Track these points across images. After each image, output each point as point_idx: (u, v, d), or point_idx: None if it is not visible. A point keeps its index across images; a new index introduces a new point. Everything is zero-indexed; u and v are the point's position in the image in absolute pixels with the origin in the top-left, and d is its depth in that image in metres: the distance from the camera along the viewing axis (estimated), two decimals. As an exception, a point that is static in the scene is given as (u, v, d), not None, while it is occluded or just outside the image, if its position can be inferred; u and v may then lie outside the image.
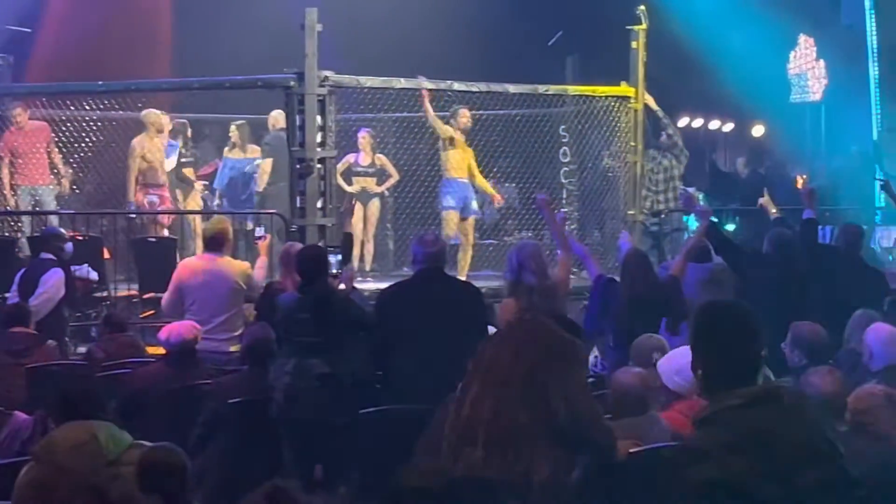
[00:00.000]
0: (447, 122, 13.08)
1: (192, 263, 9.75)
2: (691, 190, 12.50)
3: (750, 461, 3.53)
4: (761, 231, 10.34)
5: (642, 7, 13.27)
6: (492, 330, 7.80)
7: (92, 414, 5.39)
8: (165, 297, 9.52)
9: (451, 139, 13.04)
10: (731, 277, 9.32)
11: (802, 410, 3.74)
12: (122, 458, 5.12)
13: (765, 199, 10.22)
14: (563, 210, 12.00)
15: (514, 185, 15.08)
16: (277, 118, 13.84)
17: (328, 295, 7.56)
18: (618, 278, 8.76)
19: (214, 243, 9.51)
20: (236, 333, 9.13)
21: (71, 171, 14.19)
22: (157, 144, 13.75)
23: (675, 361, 6.22)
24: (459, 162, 13.21)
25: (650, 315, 8.12)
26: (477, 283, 13.04)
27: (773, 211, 10.08)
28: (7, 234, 13.09)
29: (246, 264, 9.83)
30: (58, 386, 5.78)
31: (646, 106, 13.43)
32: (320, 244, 11.25)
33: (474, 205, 13.50)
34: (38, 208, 13.59)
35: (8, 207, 13.46)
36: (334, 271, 8.51)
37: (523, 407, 4.32)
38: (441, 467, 4.35)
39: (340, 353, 7.28)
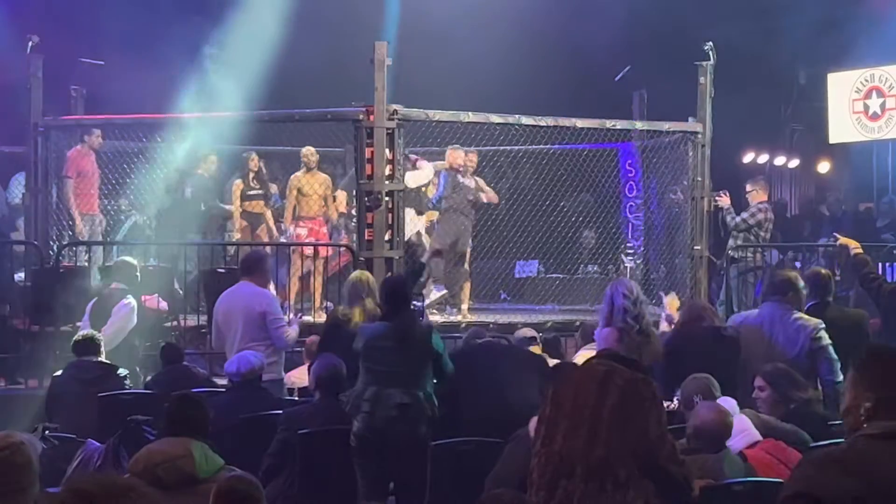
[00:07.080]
0: None
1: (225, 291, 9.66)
2: None
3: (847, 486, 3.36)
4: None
5: (710, 43, 13.21)
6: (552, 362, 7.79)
7: (193, 433, 5.49)
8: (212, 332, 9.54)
9: None
10: None
11: None
12: (212, 478, 5.20)
13: (843, 239, 9.87)
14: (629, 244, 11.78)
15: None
16: None
17: (412, 325, 7.52)
18: None
19: (244, 268, 9.53)
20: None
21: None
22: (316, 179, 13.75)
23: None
24: None
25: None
26: (543, 317, 13.20)
27: (854, 247, 9.67)
28: (77, 263, 13.12)
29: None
30: (172, 401, 5.81)
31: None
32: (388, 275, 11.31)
33: None
34: (92, 236, 13.58)
35: (79, 234, 13.41)
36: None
37: (614, 442, 4.36)
38: (524, 498, 4.35)
39: (420, 384, 7.25)
